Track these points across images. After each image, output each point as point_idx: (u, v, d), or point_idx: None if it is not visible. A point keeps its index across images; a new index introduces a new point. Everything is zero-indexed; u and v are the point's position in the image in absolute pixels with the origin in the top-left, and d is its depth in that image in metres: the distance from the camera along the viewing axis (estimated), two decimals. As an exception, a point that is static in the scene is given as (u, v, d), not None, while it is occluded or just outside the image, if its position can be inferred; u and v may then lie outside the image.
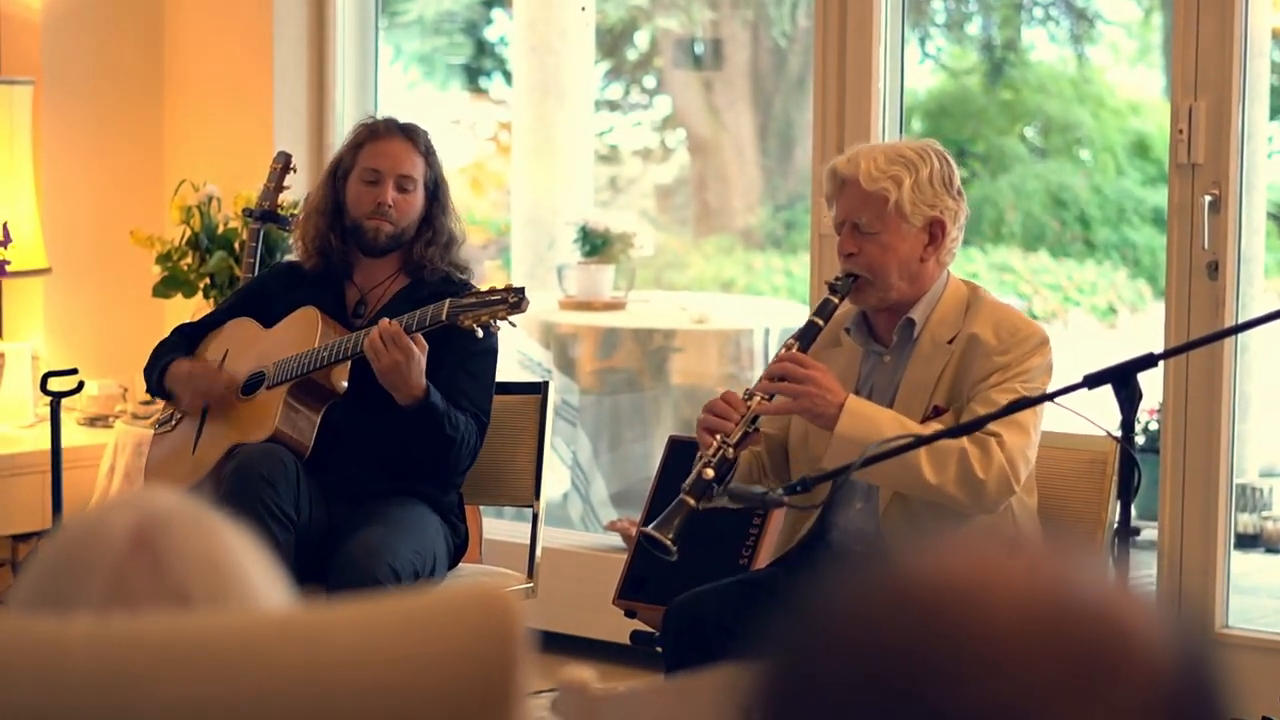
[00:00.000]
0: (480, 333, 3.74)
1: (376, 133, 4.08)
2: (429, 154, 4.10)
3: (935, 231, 3.47)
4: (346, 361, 3.93)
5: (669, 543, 3.30)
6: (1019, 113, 10.44)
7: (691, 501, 3.32)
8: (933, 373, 3.44)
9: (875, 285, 3.47)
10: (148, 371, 4.21)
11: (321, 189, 4.15)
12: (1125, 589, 0.96)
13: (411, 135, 4.09)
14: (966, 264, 10.07)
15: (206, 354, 4.20)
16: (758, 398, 3.41)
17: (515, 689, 1.38)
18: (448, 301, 3.77)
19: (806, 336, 3.47)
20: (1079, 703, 0.91)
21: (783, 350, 3.47)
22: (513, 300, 3.72)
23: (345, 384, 3.97)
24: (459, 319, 3.74)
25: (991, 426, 3.27)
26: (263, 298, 4.20)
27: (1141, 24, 10.33)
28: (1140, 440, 6.45)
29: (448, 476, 4.02)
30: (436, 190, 4.11)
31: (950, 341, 3.45)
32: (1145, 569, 4.56)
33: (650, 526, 3.33)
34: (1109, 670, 0.91)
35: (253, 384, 4.07)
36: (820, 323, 3.47)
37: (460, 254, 4.12)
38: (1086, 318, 9.92)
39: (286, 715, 1.34)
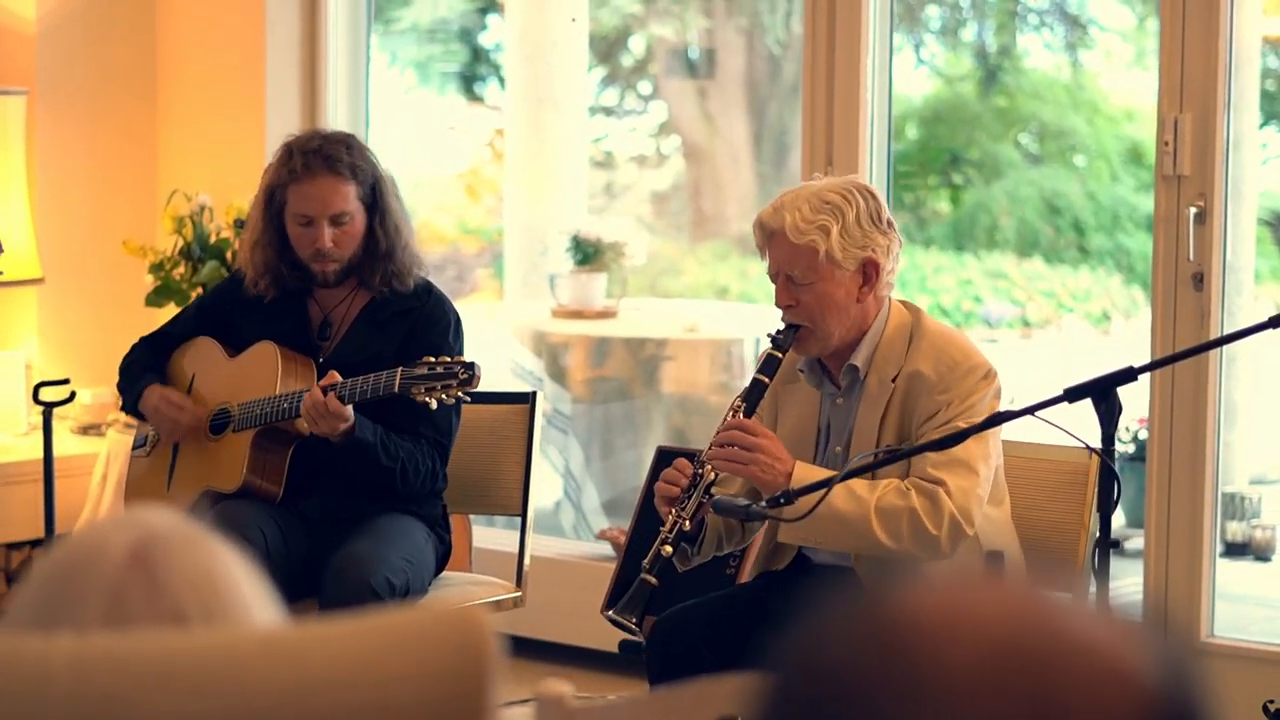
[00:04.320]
0: (434, 404, 3.73)
1: (297, 174, 3.94)
2: (356, 170, 3.96)
3: (869, 271, 3.41)
4: None
5: (633, 625, 3.35)
6: (1013, 119, 10.44)
7: (653, 581, 3.35)
8: (879, 413, 3.43)
9: (817, 334, 3.42)
10: (122, 389, 4.18)
11: (260, 219, 4.03)
12: (1105, 621, 0.97)
13: (334, 164, 3.93)
14: (961, 270, 10.09)
15: (176, 373, 4.17)
16: (708, 467, 3.40)
17: (487, 706, 1.40)
18: (399, 372, 3.74)
19: (753, 396, 3.44)
20: None
21: (729, 415, 3.44)
22: (463, 377, 3.72)
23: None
24: (411, 391, 3.73)
25: (937, 473, 3.27)
26: (224, 316, 4.14)
27: (1136, 30, 10.33)
28: (1130, 449, 6.46)
29: (402, 503, 3.99)
30: (374, 199, 4.00)
31: (894, 379, 3.42)
32: (1131, 578, 4.58)
33: (614, 610, 3.37)
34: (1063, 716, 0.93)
35: (219, 423, 4.05)
36: (766, 380, 3.44)
37: (408, 253, 4.02)
38: (1080, 324, 9.93)
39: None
